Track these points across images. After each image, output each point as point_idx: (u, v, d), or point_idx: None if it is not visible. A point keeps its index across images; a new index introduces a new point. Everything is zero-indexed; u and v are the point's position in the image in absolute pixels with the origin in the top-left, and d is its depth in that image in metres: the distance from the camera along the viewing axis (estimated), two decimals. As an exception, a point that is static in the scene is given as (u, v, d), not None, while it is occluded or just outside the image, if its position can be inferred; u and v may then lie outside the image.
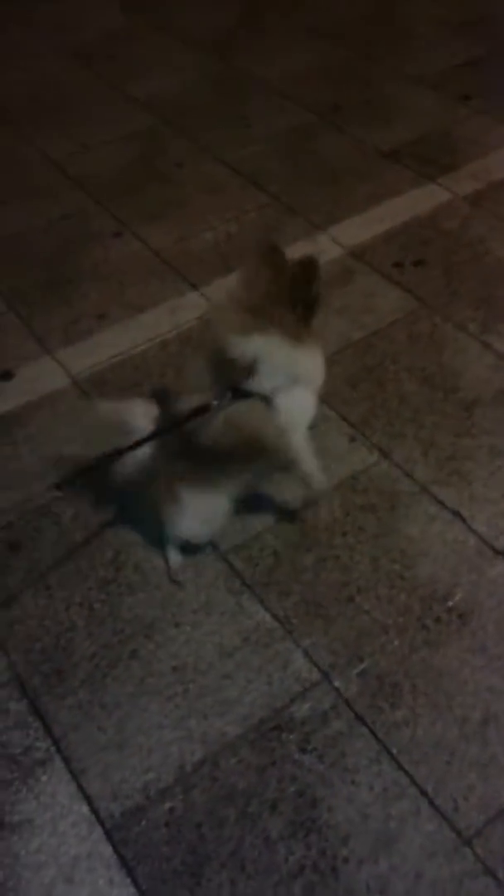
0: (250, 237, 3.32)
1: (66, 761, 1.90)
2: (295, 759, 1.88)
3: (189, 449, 1.99)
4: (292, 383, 1.95)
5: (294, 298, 1.88)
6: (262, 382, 1.91)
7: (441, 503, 2.36)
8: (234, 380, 1.91)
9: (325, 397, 2.64)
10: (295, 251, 1.98)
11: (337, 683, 2.00)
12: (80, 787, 1.86)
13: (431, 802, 1.80)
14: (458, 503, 2.36)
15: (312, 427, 2.12)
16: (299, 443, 2.08)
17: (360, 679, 2.00)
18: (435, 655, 2.04)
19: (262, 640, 2.09)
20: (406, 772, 1.85)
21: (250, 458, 2.04)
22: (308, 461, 2.13)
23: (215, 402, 1.91)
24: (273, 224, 3.38)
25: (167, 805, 1.83)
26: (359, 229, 3.35)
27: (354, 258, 3.22)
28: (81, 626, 2.14)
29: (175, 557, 2.27)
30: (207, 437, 1.95)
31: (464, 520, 2.32)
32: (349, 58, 4.51)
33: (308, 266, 1.90)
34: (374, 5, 5.06)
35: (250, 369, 1.88)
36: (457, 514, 2.33)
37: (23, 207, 3.59)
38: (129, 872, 1.74)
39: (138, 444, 1.98)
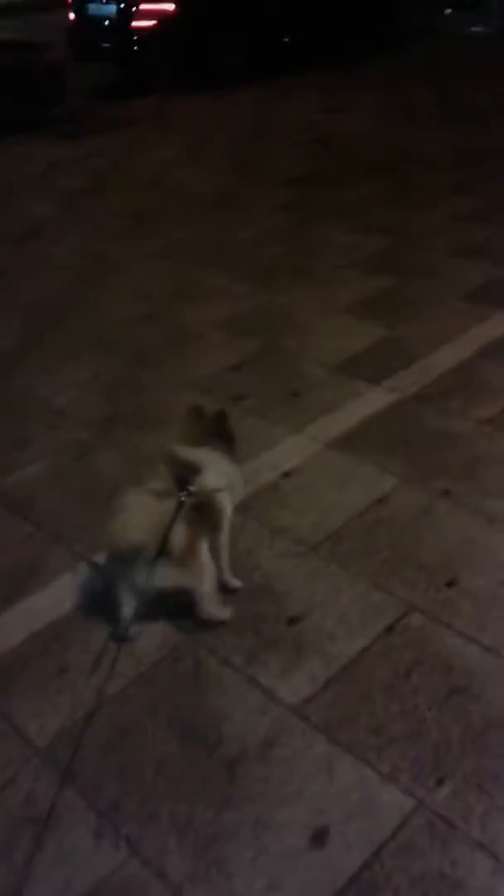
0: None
1: None
2: None
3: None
4: (228, 489, 2.73)
5: (214, 433, 2.81)
6: (208, 482, 2.64)
7: (198, 913, 2.00)
8: (186, 478, 2.62)
9: (69, 782, 2.31)
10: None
11: None
12: None
13: None
14: (217, 910, 2.00)
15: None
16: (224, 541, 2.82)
17: None
18: None
19: None
20: None
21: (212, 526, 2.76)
22: (209, 579, 2.73)
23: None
24: (29, 562, 3.17)
25: None
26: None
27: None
28: None
29: (128, 610, 2.66)
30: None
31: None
32: (123, 365, 4.66)
33: (220, 415, 2.84)
34: (151, 308, 5.35)
35: (198, 470, 2.64)
36: (214, 928, 1.96)
37: None
38: None
39: None
